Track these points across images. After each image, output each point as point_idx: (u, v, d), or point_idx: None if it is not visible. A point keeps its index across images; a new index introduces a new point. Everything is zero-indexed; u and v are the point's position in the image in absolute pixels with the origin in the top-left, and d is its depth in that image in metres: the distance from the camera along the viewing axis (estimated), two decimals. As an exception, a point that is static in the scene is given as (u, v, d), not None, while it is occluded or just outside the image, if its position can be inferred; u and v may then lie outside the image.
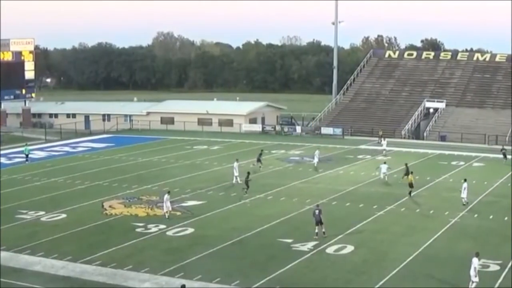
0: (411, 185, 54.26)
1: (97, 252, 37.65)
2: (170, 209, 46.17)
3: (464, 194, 50.21)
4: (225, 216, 47.17)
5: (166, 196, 46.41)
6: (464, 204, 49.96)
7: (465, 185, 50.25)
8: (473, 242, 40.35)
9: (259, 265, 35.37)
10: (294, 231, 42.45)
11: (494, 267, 35.11)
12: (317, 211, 40.83)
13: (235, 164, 59.44)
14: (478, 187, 57.58)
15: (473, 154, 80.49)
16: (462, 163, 73.67)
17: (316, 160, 68.76)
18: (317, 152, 70.00)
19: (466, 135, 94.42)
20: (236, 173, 58.48)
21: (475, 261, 31.25)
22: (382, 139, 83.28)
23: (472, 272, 31.00)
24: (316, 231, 40.48)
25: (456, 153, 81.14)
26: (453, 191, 54.66)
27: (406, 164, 60.94)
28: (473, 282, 30.89)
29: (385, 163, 62.87)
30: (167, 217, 45.49)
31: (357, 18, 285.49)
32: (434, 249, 38.83)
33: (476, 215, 47.83)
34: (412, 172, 55.81)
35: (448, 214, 47.54)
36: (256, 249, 38.44)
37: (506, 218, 46.80)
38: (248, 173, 55.39)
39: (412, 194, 53.92)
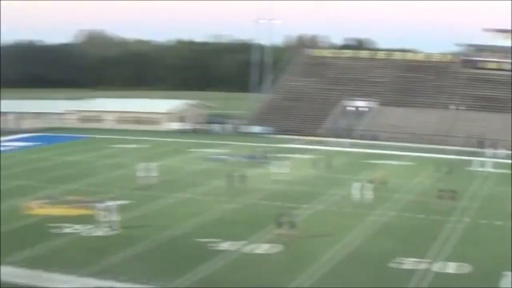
0: (380, 182, 56.75)
1: (17, 253, 36.76)
2: None
3: (363, 194, 51.54)
4: (149, 216, 47.11)
5: None
6: (360, 204, 51.03)
7: (363, 185, 51.96)
8: (398, 240, 41.46)
9: (181, 265, 35.24)
10: (215, 231, 42.56)
11: (412, 265, 36.03)
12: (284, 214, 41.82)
13: (150, 165, 60.17)
14: (399, 185, 59.58)
15: (402, 153, 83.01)
16: (386, 161, 75.87)
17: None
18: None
19: (396, 134, 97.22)
20: (150, 174, 59.00)
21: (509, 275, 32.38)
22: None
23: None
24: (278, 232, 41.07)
25: (386, 152, 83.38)
26: (379, 190, 55.74)
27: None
28: None
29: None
30: None
31: (286, 16, 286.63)
32: (358, 248, 39.57)
33: (395, 213, 49.22)
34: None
35: (368, 212, 48.66)
36: (178, 249, 38.48)
37: (423, 216, 48.46)
38: None
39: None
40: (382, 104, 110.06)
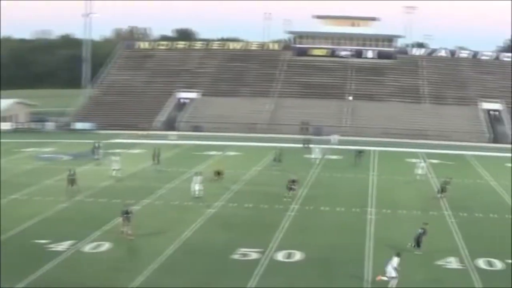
0: (218, 174, 56.96)
1: None
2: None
3: (197, 187, 51.34)
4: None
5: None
6: (196, 197, 51.01)
7: (196, 178, 51.93)
8: (233, 231, 41.89)
9: (16, 268, 33.95)
10: (50, 231, 41.24)
11: (253, 255, 36.52)
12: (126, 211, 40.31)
13: None
14: (235, 176, 60.05)
15: (228, 143, 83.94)
16: (217, 152, 76.69)
17: None
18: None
19: (221, 125, 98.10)
20: None
21: (396, 260, 32.43)
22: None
23: (389, 269, 32.06)
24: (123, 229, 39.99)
25: (211, 143, 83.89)
26: (209, 181, 56.06)
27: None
28: (393, 278, 31.91)
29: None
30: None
31: (109, 9, 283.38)
32: (194, 241, 39.54)
33: (234, 204, 49.66)
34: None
35: (206, 205, 48.85)
36: (12, 252, 36.85)
37: (262, 206, 49.23)
38: None
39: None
40: (206, 94, 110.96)
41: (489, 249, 39.00)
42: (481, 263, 36.60)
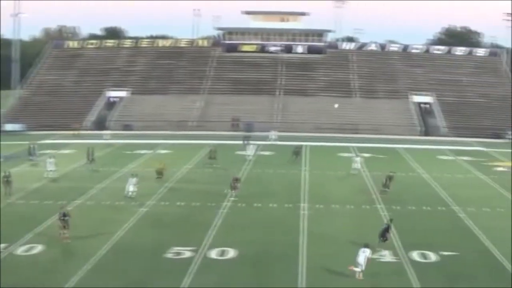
0: (160, 173, 56.57)
1: None
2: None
3: (131, 188, 50.86)
4: None
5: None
6: (130, 197, 50.53)
7: (132, 179, 51.41)
8: (165, 230, 41.83)
9: None
10: None
11: (186, 254, 36.50)
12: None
13: None
14: (166, 174, 59.46)
15: (159, 141, 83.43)
16: (147, 151, 76.14)
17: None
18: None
19: (152, 123, 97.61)
20: None
21: (367, 251, 33.34)
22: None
23: (360, 259, 32.98)
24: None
25: (142, 141, 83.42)
26: (141, 180, 55.04)
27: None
28: (361, 266, 32.97)
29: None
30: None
31: (38, 9, 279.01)
32: (126, 241, 39.28)
33: (166, 203, 49.44)
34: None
35: (138, 204, 48.50)
36: None
37: (194, 204, 49.16)
38: None
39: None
40: (136, 93, 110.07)
41: (423, 242, 39.53)
42: (415, 255, 37.13)
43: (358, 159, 65.05)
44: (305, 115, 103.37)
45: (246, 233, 41.71)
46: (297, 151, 71.46)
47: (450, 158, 77.04)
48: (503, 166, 71.29)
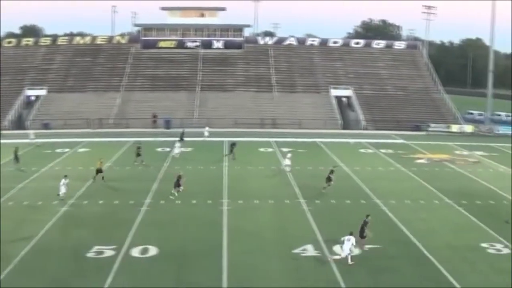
0: (99, 171, 55.36)
1: None
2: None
3: (63, 190, 49.86)
4: None
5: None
6: (61, 198, 49.58)
7: (64, 181, 50.37)
8: (86, 229, 41.54)
9: None
10: None
11: (109, 252, 36.51)
12: None
13: None
14: (86, 173, 58.96)
15: (78, 139, 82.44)
16: (67, 149, 74.99)
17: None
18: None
19: (70, 121, 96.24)
20: None
21: (352, 239, 35.34)
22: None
23: (345, 247, 35.09)
24: None
25: (60, 140, 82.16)
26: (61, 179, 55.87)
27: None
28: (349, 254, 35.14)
29: None
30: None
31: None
32: (47, 241, 39.00)
33: (86, 202, 48.93)
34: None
35: (58, 204, 48.01)
36: None
37: (115, 202, 48.82)
38: None
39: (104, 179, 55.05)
40: (54, 91, 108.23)
41: (345, 235, 39.63)
42: (337, 249, 37.63)
43: (289, 155, 64.49)
44: (224, 111, 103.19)
45: (168, 230, 41.86)
46: (232, 148, 70.84)
47: (370, 151, 77.95)
48: (423, 159, 72.40)
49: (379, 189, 54.23)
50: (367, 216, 39.49)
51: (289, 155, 63.78)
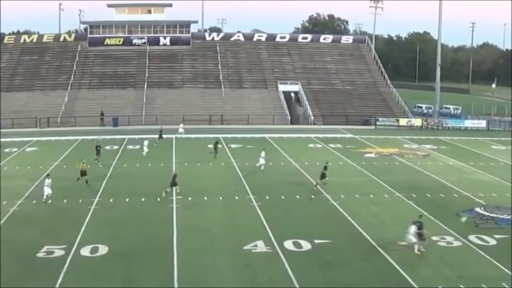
0: (83, 173, 54.37)
1: None
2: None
3: (48, 191, 48.67)
4: None
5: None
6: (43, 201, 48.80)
7: (48, 181, 49.24)
8: (36, 229, 41.12)
9: None
10: None
11: (59, 252, 36.24)
12: None
13: None
14: (34, 172, 58.73)
15: (26, 139, 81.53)
16: (15, 149, 74.04)
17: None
18: None
19: (17, 120, 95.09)
20: None
21: (413, 228, 36.99)
22: None
23: (409, 236, 36.99)
24: None
25: (9, 139, 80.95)
26: (10, 179, 55.47)
27: None
28: (414, 243, 37.01)
29: None
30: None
31: None
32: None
33: (35, 201, 48.40)
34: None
35: (7, 204, 47.38)
36: None
37: (64, 201, 48.42)
38: None
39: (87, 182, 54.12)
40: (2, 90, 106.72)
41: (296, 231, 40.07)
42: (289, 245, 37.81)
43: (263, 153, 63.62)
44: (172, 108, 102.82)
45: (118, 229, 41.68)
46: (216, 146, 69.98)
47: (319, 146, 78.42)
48: (372, 153, 72.96)
49: (329, 183, 54.39)
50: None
51: (263, 153, 62.66)
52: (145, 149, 70.30)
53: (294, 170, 61.74)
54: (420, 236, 37.21)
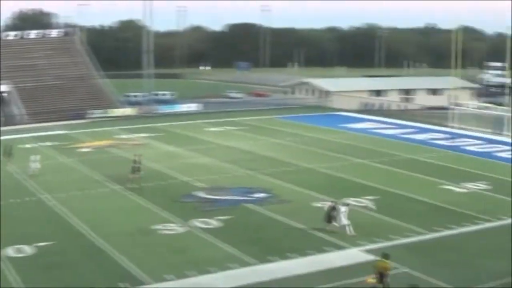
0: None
1: None
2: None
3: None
4: None
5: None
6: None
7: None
8: None
9: None
10: None
11: None
12: None
13: None
14: None
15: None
16: None
17: None
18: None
19: None
20: None
21: (343, 208, 38.44)
22: None
23: (341, 217, 38.11)
24: None
25: None
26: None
27: None
28: (347, 224, 38.07)
29: None
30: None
31: None
32: None
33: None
34: None
35: None
36: None
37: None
38: None
39: None
40: None
41: (16, 236, 39.14)
42: (10, 251, 36.42)
43: (37, 157, 59.51)
44: None
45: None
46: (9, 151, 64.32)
47: (32, 145, 75.46)
48: (87, 147, 71.92)
49: (45, 183, 53.15)
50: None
51: (37, 157, 58.90)
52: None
53: (5, 175, 58.14)
54: None
